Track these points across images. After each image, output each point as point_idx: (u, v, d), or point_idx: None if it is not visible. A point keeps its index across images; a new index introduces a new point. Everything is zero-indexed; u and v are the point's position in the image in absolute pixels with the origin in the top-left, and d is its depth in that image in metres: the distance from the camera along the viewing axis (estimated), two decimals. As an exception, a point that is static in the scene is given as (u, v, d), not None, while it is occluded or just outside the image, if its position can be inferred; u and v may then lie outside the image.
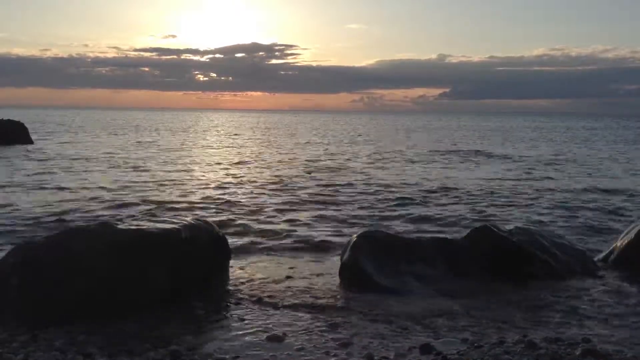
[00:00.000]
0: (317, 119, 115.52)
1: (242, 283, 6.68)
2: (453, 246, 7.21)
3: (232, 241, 8.14)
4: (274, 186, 15.28)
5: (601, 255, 7.88)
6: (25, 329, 4.96)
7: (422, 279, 6.67)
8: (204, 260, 6.32)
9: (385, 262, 6.75)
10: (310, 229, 9.91)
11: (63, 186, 14.42)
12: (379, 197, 13.58)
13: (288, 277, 6.94)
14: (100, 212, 10.95)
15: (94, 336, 4.88)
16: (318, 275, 7.14)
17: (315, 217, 10.95)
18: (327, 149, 30.22)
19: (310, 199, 13.14)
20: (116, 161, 21.29)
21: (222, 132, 52.59)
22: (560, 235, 8.53)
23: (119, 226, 5.94)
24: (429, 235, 8.70)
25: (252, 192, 14.14)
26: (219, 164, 21.72)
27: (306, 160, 22.87)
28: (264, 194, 13.98)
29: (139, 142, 34.09)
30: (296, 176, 17.59)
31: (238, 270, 7.15)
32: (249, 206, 12.11)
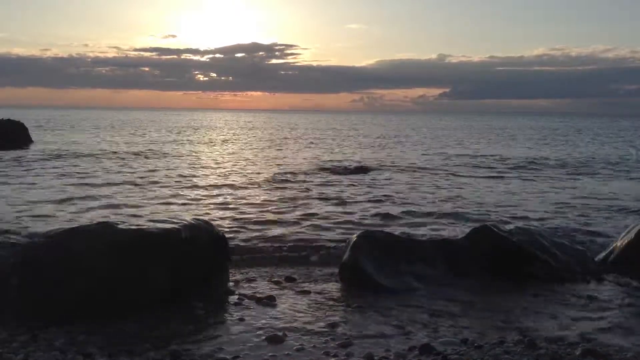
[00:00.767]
0: (327, 119, 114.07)
1: (242, 283, 6.69)
2: (453, 246, 7.21)
3: (232, 241, 8.14)
4: (274, 186, 15.28)
5: (601, 255, 7.87)
6: (25, 329, 4.96)
7: (422, 279, 6.67)
8: (204, 260, 6.32)
9: (385, 262, 6.75)
10: (310, 228, 9.90)
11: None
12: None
13: (288, 277, 6.94)
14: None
15: (94, 336, 4.88)
16: (318, 275, 7.15)
17: (316, 216, 10.94)
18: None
19: (311, 198, 13.14)
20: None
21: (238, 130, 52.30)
22: (560, 235, 8.53)
23: (119, 226, 5.93)
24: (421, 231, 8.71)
25: (252, 192, 14.13)
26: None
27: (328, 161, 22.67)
28: (263, 194, 13.97)
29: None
30: (305, 173, 17.56)
31: (238, 270, 7.15)
32: (249, 206, 12.11)
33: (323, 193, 14.16)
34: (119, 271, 5.55)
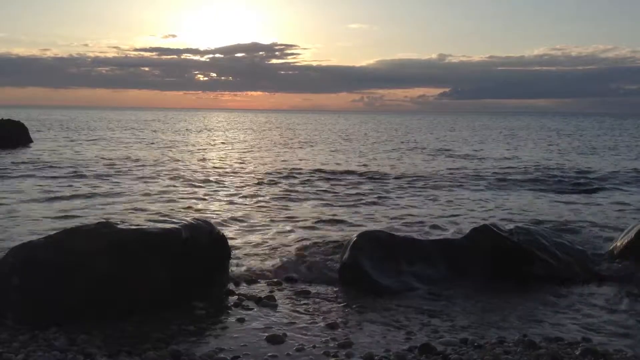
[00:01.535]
0: (335, 119, 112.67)
1: (242, 283, 6.69)
2: (453, 246, 7.21)
3: (232, 241, 8.14)
4: (276, 186, 15.27)
5: (601, 255, 7.87)
6: (25, 329, 4.96)
7: (422, 279, 6.67)
8: (204, 260, 6.32)
9: (385, 262, 6.75)
10: (310, 228, 9.89)
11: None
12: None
13: (288, 278, 6.94)
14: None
15: (94, 336, 4.88)
16: (318, 275, 7.14)
17: (316, 217, 10.94)
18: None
19: (312, 198, 13.14)
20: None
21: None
22: (561, 234, 8.53)
23: (119, 226, 5.94)
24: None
25: (253, 192, 14.12)
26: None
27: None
28: (264, 193, 13.96)
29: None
30: (306, 174, 17.53)
31: (238, 270, 7.15)
32: (249, 206, 12.10)
33: (327, 194, 14.13)
34: (119, 271, 5.55)
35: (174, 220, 6.57)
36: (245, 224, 10.14)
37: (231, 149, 29.95)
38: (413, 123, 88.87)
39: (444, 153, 27.77)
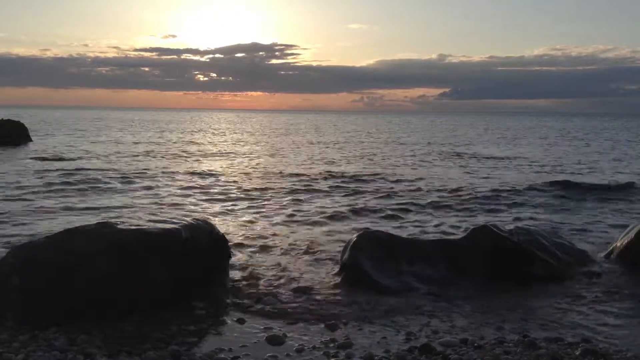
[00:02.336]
0: (339, 120, 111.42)
1: (242, 283, 6.69)
2: (453, 246, 7.21)
3: (232, 241, 8.14)
4: (277, 186, 15.26)
5: (601, 255, 7.88)
6: (25, 329, 4.96)
7: (422, 279, 6.67)
8: (204, 260, 6.32)
9: (385, 262, 6.75)
10: (310, 228, 9.90)
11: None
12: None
13: (288, 277, 6.93)
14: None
15: (94, 336, 4.88)
16: (318, 275, 7.13)
17: (317, 216, 10.93)
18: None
19: (313, 198, 13.14)
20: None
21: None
22: (561, 235, 8.53)
23: (119, 226, 5.93)
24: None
25: (255, 191, 14.12)
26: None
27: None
28: (266, 193, 13.95)
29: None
30: (310, 175, 17.49)
31: (238, 270, 7.15)
32: (250, 205, 12.10)
33: (330, 195, 14.13)
34: (119, 271, 5.55)
35: (174, 220, 6.56)
36: (246, 223, 10.14)
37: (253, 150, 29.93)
38: (425, 123, 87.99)
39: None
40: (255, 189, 14.58)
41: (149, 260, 5.74)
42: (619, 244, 7.79)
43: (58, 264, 5.41)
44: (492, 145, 35.44)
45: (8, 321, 5.13)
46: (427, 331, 5.25)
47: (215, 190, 14.32)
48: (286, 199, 13.13)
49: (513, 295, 6.43)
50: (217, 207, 11.92)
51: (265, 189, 14.68)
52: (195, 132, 50.26)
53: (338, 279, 6.79)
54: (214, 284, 6.44)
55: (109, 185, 14.69)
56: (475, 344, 4.85)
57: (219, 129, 59.28)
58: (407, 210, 11.71)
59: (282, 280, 6.81)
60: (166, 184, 15.30)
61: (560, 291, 6.55)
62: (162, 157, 23.81)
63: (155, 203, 12.20)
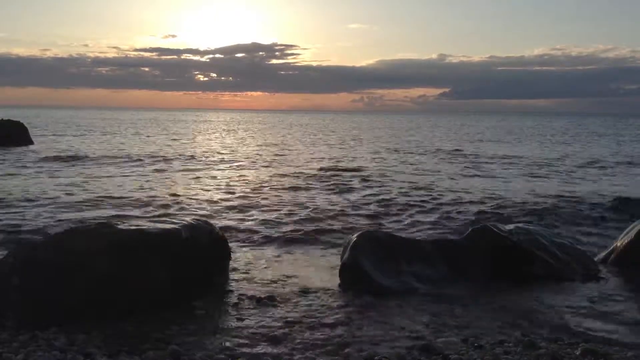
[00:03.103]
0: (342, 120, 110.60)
1: (242, 283, 6.69)
2: (453, 246, 7.21)
3: (232, 241, 8.14)
4: (277, 186, 15.26)
5: (601, 255, 7.87)
6: (25, 329, 4.96)
7: (422, 279, 6.67)
8: (204, 260, 6.32)
9: (385, 262, 6.75)
10: (311, 228, 9.89)
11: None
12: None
13: (288, 278, 6.94)
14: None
15: (94, 336, 4.89)
16: (318, 275, 7.14)
17: (317, 216, 10.93)
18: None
19: (314, 197, 13.14)
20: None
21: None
22: (561, 234, 8.53)
23: (119, 226, 5.94)
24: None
25: (257, 191, 14.12)
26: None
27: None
28: (266, 194, 13.95)
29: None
30: (310, 176, 17.49)
31: (238, 270, 7.15)
32: (250, 205, 12.10)
33: (330, 195, 14.13)
34: (119, 271, 5.56)
35: (174, 220, 6.57)
36: (245, 224, 10.14)
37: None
38: (430, 123, 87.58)
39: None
40: (255, 189, 14.59)
41: (149, 260, 5.75)
42: (619, 244, 7.79)
43: (58, 264, 5.42)
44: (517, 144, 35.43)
45: (8, 321, 5.13)
46: (427, 331, 5.25)
47: (218, 189, 14.33)
48: (287, 198, 13.13)
49: (513, 295, 6.43)
50: (217, 207, 11.91)
51: (265, 188, 14.68)
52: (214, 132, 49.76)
53: (338, 279, 6.79)
54: (214, 284, 6.44)
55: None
56: (475, 344, 4.85)
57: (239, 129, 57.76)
58: (407, 210, 11.71)
59: (282, 280, 6.82)
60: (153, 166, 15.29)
61: (560, 291, 6.55)
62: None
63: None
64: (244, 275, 6.99)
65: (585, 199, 12.94)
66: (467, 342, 4.92)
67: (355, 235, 7.16)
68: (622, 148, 33.42)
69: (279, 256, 8.09)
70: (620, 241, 7.82)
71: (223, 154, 26.37)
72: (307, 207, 11.94)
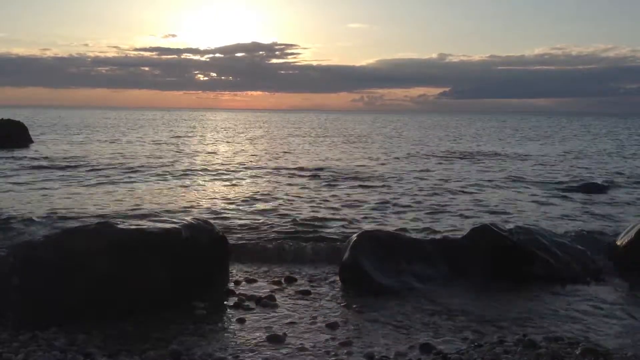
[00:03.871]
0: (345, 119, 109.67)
1: (242, 283, 6.69)
2: (453, 246, 7.21)
3: (232, 241, 8.14)
4: (278, 185, 15.26)
5: (601, 255, 7.86)
6: (25, 329, 4.96)
7: (422, 279, 6.67)
8: (204, 260, 6.32)
9: (385, 262, 6.75)
10: (311, 228, 9.89)
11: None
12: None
13: (288, 277, 6.94)
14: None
15: (94, 336, 4.89)
16: (318, 274, 7.15)
17: (317, 216, 10.93)
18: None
19: (315, 197, 13.13)
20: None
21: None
22: (561, 234, 8.52)
23: (119, 226, 5.94)
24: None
25: (257, 191, 14.11)
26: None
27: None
28: (266, 193, 13.94)
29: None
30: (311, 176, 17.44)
31: (238, 270, 7.15)
32: (250, 204, 12.09)
33: (331, 194, 14.12)
34: (119, 271, 5.56)
35: (174, 220, 6.57)
36: (245, 224, 10.13)
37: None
38: (434, 123, 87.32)
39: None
40: (255, 188, 14.58)
41: (149, 260, 5.75)
42: (619, 243, 7.79)
43: (58, 264, 5.41)
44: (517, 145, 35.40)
45: (8, 321, 5.14)
46: (427, 330, 5.25)
47: (218, 189, 14.33)
48: (287, 198, 13.12)
49: (513, 295, 6.43)
50: (217, 207, 11.91)
51: (265, 187, 14.68)
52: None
53: (338, 279, 6.79)
54: (214, 284, 6.44)
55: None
56: (475, 343, 4.85)
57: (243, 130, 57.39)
58: (407, 210, 11.71)
59: (282, 280, 6.82)
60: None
61: (560, 291, 6.56)
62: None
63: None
64: (244, 275, 6.99)
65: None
66: (467, 341, 4.92)
67: (355, 234, 7.16)
68: None
69: (279, 256, 8.09)
70: (621, 240, 7.82)
71: (229, 157, 26.33)
72: (307, 207, 11.94)
